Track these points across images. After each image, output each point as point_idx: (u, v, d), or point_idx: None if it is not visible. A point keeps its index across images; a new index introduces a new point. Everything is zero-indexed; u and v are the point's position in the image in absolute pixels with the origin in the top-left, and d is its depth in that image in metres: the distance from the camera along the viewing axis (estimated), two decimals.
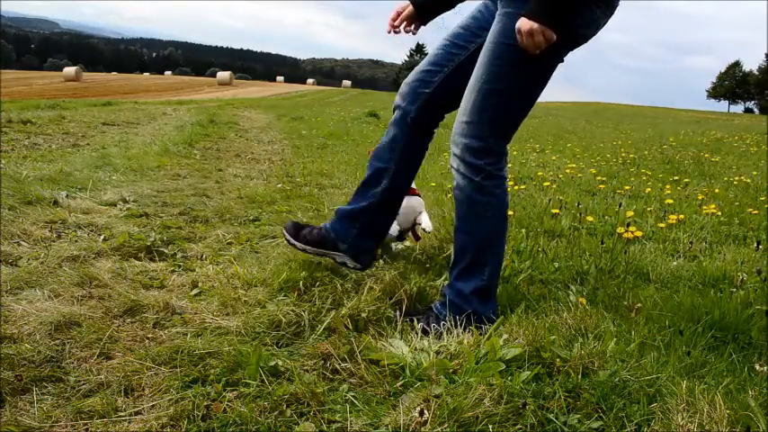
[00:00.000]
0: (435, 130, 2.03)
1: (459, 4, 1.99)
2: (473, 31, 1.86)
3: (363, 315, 1.75)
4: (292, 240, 2.04)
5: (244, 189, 3.94)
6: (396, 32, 1.99)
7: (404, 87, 1.96)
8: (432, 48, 1.99)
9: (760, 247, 2.58)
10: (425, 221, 2.31)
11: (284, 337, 1.66)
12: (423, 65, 1.94)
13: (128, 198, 3.32)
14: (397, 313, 1.77)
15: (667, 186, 4.99)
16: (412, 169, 2.04)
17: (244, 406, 1.27)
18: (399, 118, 1.95)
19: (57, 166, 4.10)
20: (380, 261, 2.37)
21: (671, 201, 4.06)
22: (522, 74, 1.68)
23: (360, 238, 2.00)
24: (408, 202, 2.24)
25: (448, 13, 2.03)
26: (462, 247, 1.79)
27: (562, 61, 1.71)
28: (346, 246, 1.99)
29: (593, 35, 1.71)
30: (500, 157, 1.75)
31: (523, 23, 1.57)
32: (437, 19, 2.04)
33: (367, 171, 2.01)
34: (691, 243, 2.80)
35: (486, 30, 1.76)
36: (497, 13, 1.72)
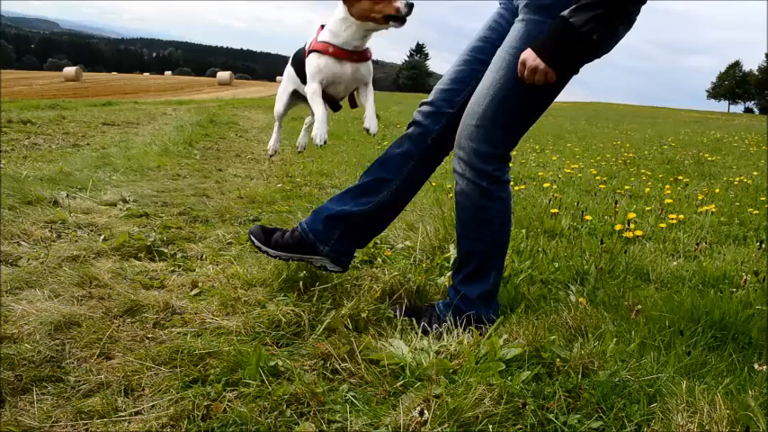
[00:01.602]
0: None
1: None
2: (494, 44, 1.78)
3: (363, 315, 1.75)
4: (263, 247, 1.89)
5: (244, 189, 3.95)
6: None
7: (425, 106, 1.86)
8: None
9: (762, 246, 2.58)
10: (370, 120, 1.90)
11: (284, 337, 1.66)
12: (445, 82, 1.85)
13: (128, 198, 3.32)
14: (397, 313, 1.77)
15: (667, 186, 4.99)
16: (418, 185, 1.93)
17: (244, 406, 1.27)
18: (418, 136, 1.85)
19: (57, 166, 4.10)
20: (380, 260, 2.37)
21: (671, 201, 4.06)
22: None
23: (342, 242, 1.85)
24: (355, 67, 1.91)
25: None
26: (468, 253, 1.77)
27: (577, 72, 1.69)
28: (327, 248, 1.84)
29: (612, 49, 1.68)
30: (506, 163, 1.73)
31: (529, 58, 1.55)
32: None
33: (365, 176, 1.89)
34: (697, 245, 2.80)
35: None
36: (520, 18, 1.67)
